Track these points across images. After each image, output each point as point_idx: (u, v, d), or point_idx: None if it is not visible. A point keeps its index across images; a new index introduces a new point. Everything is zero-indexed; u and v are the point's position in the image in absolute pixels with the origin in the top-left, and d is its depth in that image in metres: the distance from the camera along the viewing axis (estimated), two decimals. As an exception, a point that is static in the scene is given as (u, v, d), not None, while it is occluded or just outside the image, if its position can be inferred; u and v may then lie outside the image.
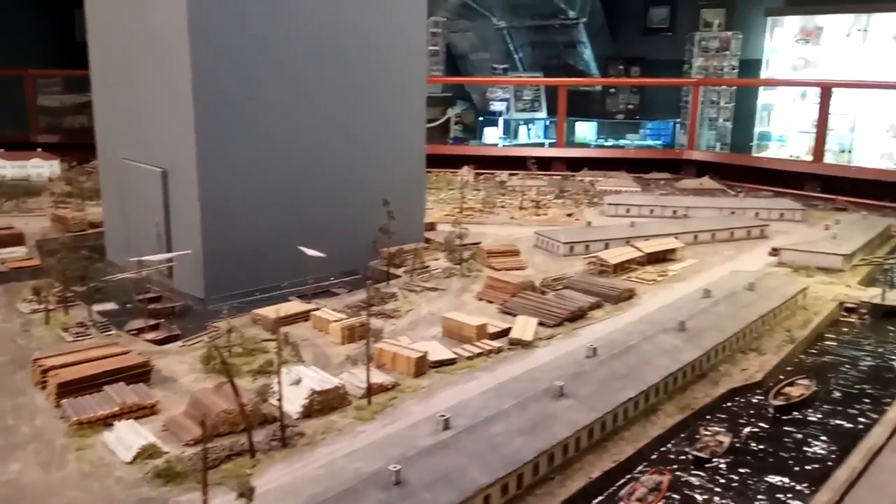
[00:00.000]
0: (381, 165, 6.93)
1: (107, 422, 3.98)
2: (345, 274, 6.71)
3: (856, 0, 13.33)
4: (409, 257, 6.60)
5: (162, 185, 6.28)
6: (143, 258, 6.01)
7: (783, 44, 14.39)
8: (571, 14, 16.33)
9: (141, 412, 4.11)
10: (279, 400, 3.71)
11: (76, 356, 4.61)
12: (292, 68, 6.25)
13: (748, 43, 14.98)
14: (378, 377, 4.39)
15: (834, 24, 13.90)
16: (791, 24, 14.31)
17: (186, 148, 5.89)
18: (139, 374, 4.52)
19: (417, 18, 7.03)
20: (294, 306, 5.66)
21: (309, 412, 4.03)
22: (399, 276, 6.57)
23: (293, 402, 4.04)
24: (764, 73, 14.45)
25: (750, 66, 14.88)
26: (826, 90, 11.33)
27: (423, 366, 4.59)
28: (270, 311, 5.46)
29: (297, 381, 3.81)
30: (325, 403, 4.08)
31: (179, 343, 5.23)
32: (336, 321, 5.21)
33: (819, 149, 11.23)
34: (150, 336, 5.35)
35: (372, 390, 4.24)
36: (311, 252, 5.85)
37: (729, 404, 4.41)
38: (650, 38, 17.10)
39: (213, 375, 4.45)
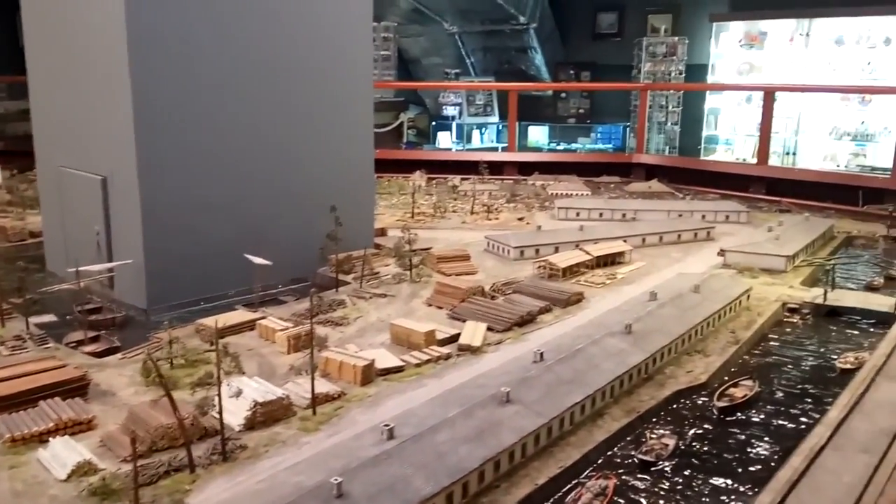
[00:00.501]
0: (329, 171, 6.85)
1: (42, 438, 3.85)
2: (293, 281, 6.64)
3: (797, 5, 13.64)
4: (358, 264, 6.53)
5: (102, 193, 6.12)
6: (83, 268, 5.87)
7: (728, 48, 14.68)
8: (522, 20, 16.44)
9: (77, 428, 3.98)
10: (219, 412, 3.62)
11: (11, 371, 4.45)
12: (235, 75, 6.15)
13: (694, 48, 15.25)
14: (324, 386, 4.33)
15: (777, 29, 14.23)
16: (736, 30, 14.61)
17: (126, 155, 5.75)
18: (76, 388, 4.38)
19: (362, 25, 7.00)
20: (239, 315, 5.55)
21: (252, 424, 3.95)
22: (348, 283, 6.50)
23: (236, 414, 3.96)
24: (710, 78, 14.72)
25: (696, 71, 15.15)
26: (769, 94, 11.57)
27: (369, 374, 4.53)
28: (214, 321, 5.36)
29: (238, 394, 3.72)
30: (268, 415, 4.00)
31: (119, 355, 5.09)
32: (282, 330, 5.12)
33: (763, 152, 11.46)
34: (90, 349, 5.20)
35: (317, 400, 4.18)
36: (256, 260, 5.77)
37: (674, 406, 4.44)
38: (599, 43, 17.31)
39: (153, 388, 4.33)
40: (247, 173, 6.32)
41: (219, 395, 3.62)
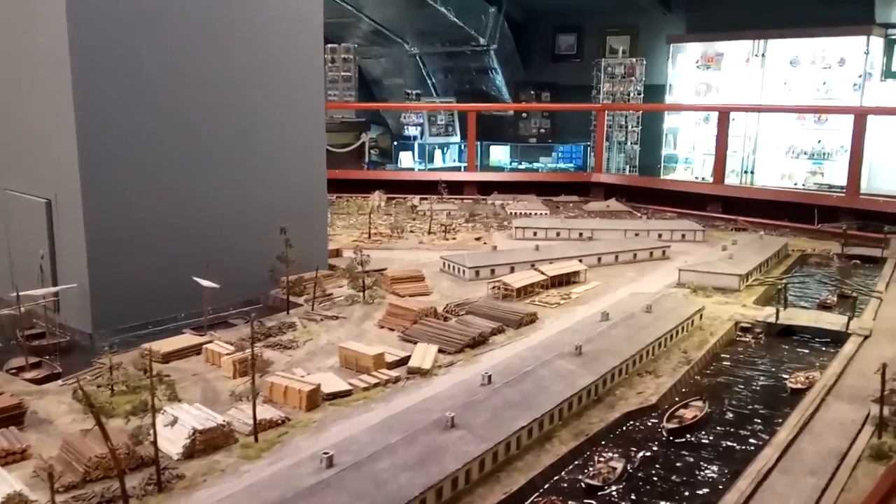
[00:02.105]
0: (280, 193, 6.76)
1: (-30, 470, 3.69)
2: (245, 303, 6.51)
3: (753, 27, 13.92)
4: (310, 285, 6.44)
5: (46, 216, 5.97)
6: (26, 293, 5.69)
7: (686, 69, 14.93)
8: (482, 41, 16.56)
9: (10, 458, 3.83)
10: (153, 442, 3.50)
11: (-58, 400, 4.29)
12: (182, 97, 6.05)
13: (652, 69, 15.48)
14: (268, 412, 4.22)
15: (733, 50, 14.52)
16: (693, 51, 14.87)
17: (70, 178, 5.61)
18: (11, 416, 4.22)
19: (313, 45, 6.94)
20: (185, 339, 5.43)
21: (191, 452, 3.82)
22: (300, 305, 6.39)
23: (174, 443, 3.84)
24: (668, 98, 14.94)
25: (655, 91, 15.37)
26: (724, 114, 11.73)
27: (315, 399, 4.43)
28: (161, 346, 5.24)
29: (173, 422, 3.61)
30: (208, 442, 3.88)
31: (59, 382, 4.93)
32: (228, 354, 5.01)
33: (719, 171, 11.60)
34: (30, 375, 5.03)
35: (260, 427, 4.07)
36: (204, 283, 5.64)
37: (624, 428, 4.40)
38: (559, 64, 17.50)
39: (91, 416, 4.19)
40: (195, 195, 6.21)
41: (153, 423, 3.49)
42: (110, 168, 5.71)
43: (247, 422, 4.08)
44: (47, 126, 5.85)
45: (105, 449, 3.54)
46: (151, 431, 3.51)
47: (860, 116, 10.52)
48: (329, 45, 16.19)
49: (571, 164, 17.22)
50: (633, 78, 15.40)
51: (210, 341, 5.32)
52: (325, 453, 3.39)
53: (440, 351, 5.29)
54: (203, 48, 6.16)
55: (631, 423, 4.45)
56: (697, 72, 14.88)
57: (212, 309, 5.91)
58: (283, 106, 6.77)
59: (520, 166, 17.53)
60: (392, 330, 5.81)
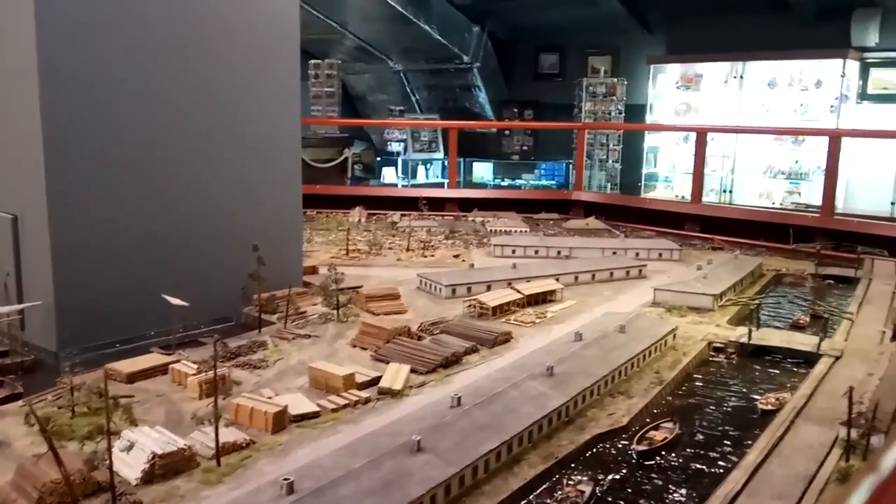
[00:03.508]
0: (254, 209, 6.71)
1: (-80, 496, 3.60)
2: (217, 321, 6.43)
3: (731, 49, 14.05)
4: (283, 303, 6.37)
5: (12, 232, 5.88)
6: (-10, 310, 5.61)
7: (666, 90, 15.02)
8: (465, 59, 16.62)
9: (-36, 483, 3.75)
10: (109, 467, 3.42)
11: None
12: (153, 112, 6.00)
13: (633, 88, 15.58)
14: (232, 435, 4.14)
15: (712, 71, 14.63)
16: (673, 72, 14.98)
17: (37, 194, 5.54)
18: (-31, 439, 4.15)
19: (289, 60, 6.90)
20: (152, 359, 5.34)
21: (150, 477, 3.74)
22: (273, 324, 6.33)
23: (133, 467, 3.75)
24: (649, 118, 15.02)
25: (636, 111, 15.45)
26: (702, 135, 11.80)
27: (281, 421, 4.36)
28: (125, 365, 5.16)
29: (129, 447, 3.53)
30: (168, 467, 3.80)
31: (20, 402, 4.83)
32: (194, 374, 4.93)
33: (696, 190, 11.65)
34: (-9, 395, 4.93)
35: (224, 450, 3.99)
36: (174, 301, 5.56)
37: (595, 451, 4.36)
38: (542, 82, 17.58)
39: (54, 440, 4.10)
40: (166, 212, 6.15)
41: (108, 448, 3.42)
42: (78, 184, 5.64)
43: (210, 445, 4.00)
44: (14, 142, 5.78)
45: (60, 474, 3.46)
46: (107, 456, 3.43)
47: (835, 138, 10.60)
48: (313, 61, 16.19)
49: (554, 182, 17.26)
50: (614, 97, 15.48)
51: (177, 361, 5.24)
52: (286, 479, 3.33)
53: (412, 371, 5.24)
54: (175, 64, 6.12)
55: (601, 445, 4.41)
56: (677, 92, 14.98)
57: (182, 327, 5.84)
58: (257, 122, 6.73)
59: (502, 183, 17.55)
60: (365, 349, 5.75)
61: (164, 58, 6.05)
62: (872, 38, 13.09)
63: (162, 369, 5.19)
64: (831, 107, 13.24)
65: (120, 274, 5.89)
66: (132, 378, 5.04)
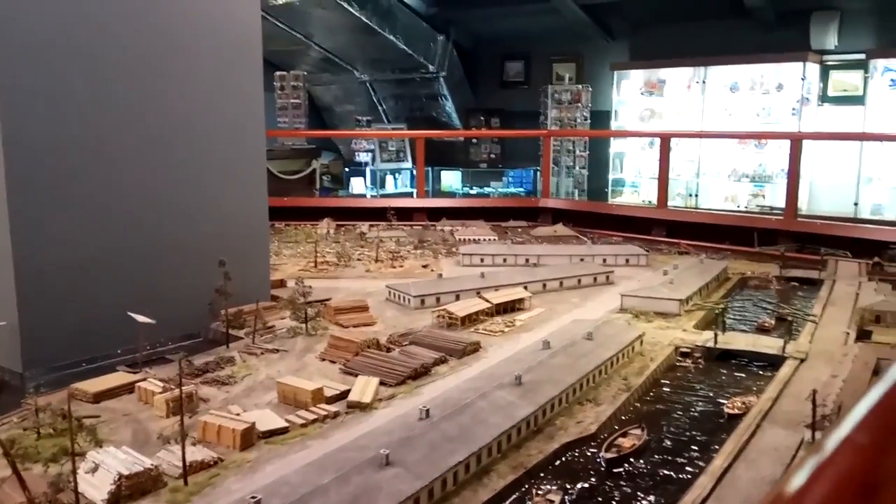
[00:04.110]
0: (219, 224, 6.67)
1: None
2: (185, 337, 6.37)
3: (693, 55, 14.26)
4: (251, 318, 6.33)
5: (-26, 252, 5.78)
6: (-48, 331, 5.50)
7: (630, 95, 15.20)
8: (431, 68, 16.68)
9: (-76, 510, 3.67)
10: (74, 489, 3.38)
11: None
12: (115, 129, 5.94)
13: (598, 95, 15.74)
14: (199, 453, 4.11)
15: (675, 76, 14.84)
16: (636, 78, 15.16)
17: (-1, 213, 5.47)
18: (-72, 464, 4.06)
19: (252, 73, 6.88)
20: (118, 377, 5.27)
21: (116, 499, 3.69)
22: (241, 339, 6.28)
23: (99, 489, 3.70)
24: (614, 123, 15.19)
25: (601, 117, 15.61)
26: (665, 140, 11.96)
27: (250, 438, 4.33)
28: (91, 385, 5.09)
29: (94, 468, 3.49)
30: (135, 487, 3.75)
31: (-17, 425, 4.75)
32: (161, 392, 4.88)
33: (662, 195, 11.79)
34: (-47, 418, 4.84)
35: (192, 468, 3.96)
36: (139, 318, 5.50)
37: (564, 459, 4.38)
38: (508, 90, 17.69)
39: (18, 461, 4.03)
40: (130, 229, 6.09)
41: (73, 470, 3.37)
42: (40, 203, 5.57)
43: (177, 464, 3.96)
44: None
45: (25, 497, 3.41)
46: (72, 478, 3.39)
47: (796, 141, 10.80)
48: (278, 73, 16.14)
49: (522, 189, 17.35)
50: (579, 104, 15.63)
51: (143, 379, 5.18)
52: (253, 497, 3.31)
53: (382, 383, 5.23)
54: (136, 79, 6.06)
55: (570, 453, 4.44)
56: (641, 98, 15.16)
57: (149, 344, 5.78)
58: (220, 135, 6.70)
59: (471, 191, 17.62)
60: (334, 362, 5.73)
61: (125, 73, 6.00)
62: (831, 41, 13.37)
63: (128, 388, 5.13)
64: (793, 109, 13.49)
65: (85, 292, 5.81)
66: (98, 398, 4.98)
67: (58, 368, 5.65)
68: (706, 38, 14.01)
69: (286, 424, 4.56)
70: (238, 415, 4.59)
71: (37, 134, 5.51)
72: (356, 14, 14.68)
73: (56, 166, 5.65)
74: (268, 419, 4.59)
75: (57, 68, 5.60)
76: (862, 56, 13.01)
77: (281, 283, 7.80)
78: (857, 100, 13.14)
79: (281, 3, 14.44)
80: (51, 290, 5.67)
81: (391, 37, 15.57)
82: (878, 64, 12.83)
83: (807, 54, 13.30)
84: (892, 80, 12.74)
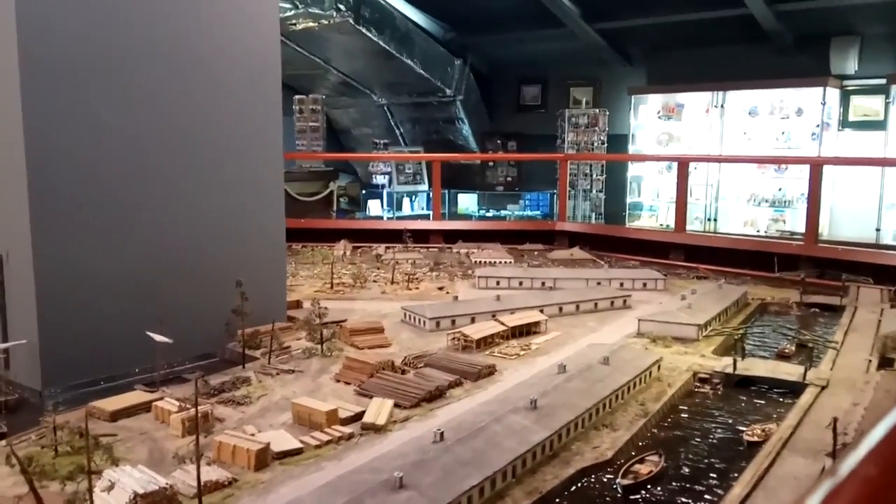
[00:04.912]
0: (236, 245, 6.72)
1: None
2: (201, 357, 6.40)
3: (711, 79, 14.27)
4: (267, 338, 6.35)
5: (-3, 270, 5.87)
6: (-26, 349, 5.57)
7: (647, 119, 15.21)
8: (448, 92, 16.80)
9: (-59, 526, 3.70)
10: (89, 509, 3.39)
11: None
12: (138, 149, 6.03)
13: (615, 119, 15.77)
14: (214, 473, 4.10)
15: (693, 101, 14.84)
16: (654, 102, 15.18)
17: (22, 233, 5.53)
18: (-54, 481, 4.09)
19: (272, 98, 6.96)
20: (135, 396, 5.30)
21: (131, 518, 3.70)
22: (256, 359, 6.29)
23: (114, 508, 3.71)
24: (631, 147, 15.20)
25: (618, 141, 15.63)
26: (683, 164, 11.93)
27: (264, 458, 4.33)
28: (108, 403, 5.11)
29: (110, 488, 3.49)
30: (149, 507, 3.76)
31: (3, 442, 4.77)
32: (177, 411, 4.89)
33: (680, 219, 11.74)
34: (-28, 436, 4.87)
35: (206, 488, 3.95)
36: (157, 337, 5.52)
37: (579, 485, 4.34)
38: (524, 114, 17.78)
39: (37, 479, 4.05)
40: (150, 248, 6.15)
41: (89, 489, 3.38)
42: (62, 223, 5.64)
43: (191, 483, 3.96)
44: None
45: (41, 516, 3.42)
46: (88, 496, 3.40)
47: (816, 166, 10.74)
48: (297, 97, 16.32)
49: (538, 212, 17.37)
50: (596, 128, 15.66)
51: (160, 398, 5.20)
52: (267, 518, 3.30)
53: (396, 405, 5.21)
54: (159, 101, 6.16)
55: (586, 479, 4.39)
56: (659, 122, 15.17)
57: (166, 364, 5.81)
58: (239, 158, 6.77)
59: (487, 214, 17.65)
60: (349, 384, 5.73)
61: (146, 95, 6.09)
62: (851, 66, 13.33)
63: (145, 407, 5.15)
64: (813, 134, 13.43)
65: (104, 311, 5.86)
66: (115, 416, 5.00)
67: (76, 387, 5.69)
68: (724, 63, 14.02)
69: (300, 445, 4.55)
70: (253, 435, 4.59)
71: (59, 154, 5.60)
72: (374, 39, 14.84)
73: (78, 187, 5.73)
74: (282, 440, 4.59)
75: (80, 90, 5.69)
76: (883, 81, 12.95)
77: (297, 304, 7.82)
78: (879, 125, 13.06)
79: (300, 28, 14.64)
80: (70, 310, 5.72)
81: (409, 61, 15.72)
82: (900, 89, 12.77)
83: (827, 79, 13.26)
84: (913, 105, 12.68)
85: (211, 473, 4.08)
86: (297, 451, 4.50)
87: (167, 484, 3.89)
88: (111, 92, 5.87)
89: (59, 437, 4.54)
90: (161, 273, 6.22)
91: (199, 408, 4.38)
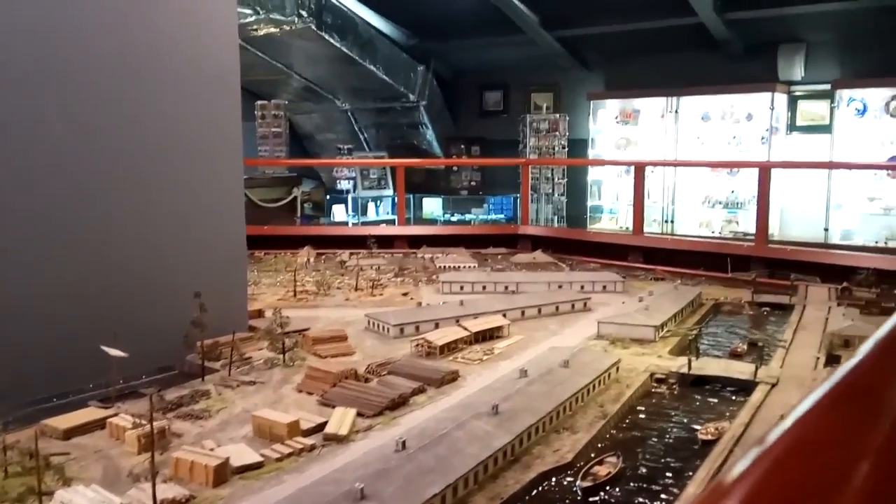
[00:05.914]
0: (195, 253, 6.66)
1: None
2: (159, 371, 6.31)
3: (666, 85, 14.52)
4: (227, 349, 6.30)
5: (-58, 286, 5.73)
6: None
7: (606, 124, 15.41)
8: (412, 97, 16.84)
9: None
10: (42, 529, 3.34)
11: None
12: (86, 157, 5.94)
13: (575, 124, 15.95)
14: (171, 490, 4.06)
15: (649, 106, 15.08)
16: (612, 107, 15.40)
17: (-33, 245, 5.43)
18: None
19: (230, 104, 6.92)
20: (88, 413, 5.21)
21: (86, 537, 3.65)
22: (217, 371, 6.24)
23: (69, 527, 3.66)
24: (591, 152, 15.38)
25: (578, 145, 15.81)
26: (640, 169, 12.10)
27: (223, 473, 4.29)
28: (61, 421, 5.03)
29: (63, 508, 3.45)
30: (105, 526, 3.72)
31: (-49, 464, 4.67)
32: (132, 428, 4.82)
33: (637, 223, 11.90)
34: (-80, 457, 4.76)
35: (164, 505, 3.91)
36: (112, 351, 5.45)
37: (540, 489, 4.38)
38: (487, 119, 17.90)
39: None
40: (104, 258, 6.06)
41: (42, 509, 3.33)
42: (8, 232, 5.52)
43: (147, 502, 3.92)
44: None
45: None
46: (41, 517, 3.35)
47: (765, 169, 10.98)
48: (259, 102, 16.21)
49: (503, 215, 17.46)
50: (557, 132, 15.81)
51: (115, 414, 5.13)
52: (225, 533, 3.28)
53: (359, 414, 5.21)
54: (110, 107, 6.07)
55: (546, 482, 4.44)
56: (617, 127, 15.38)
57: (122, 378, 5.72)
58: (197, 165, 6.71)
59: (452, 218, 17.70)
60: (311, 394, 5.70)
61: (98, 100, 6.00)
62: (798, 72, 13.70)
63: (100, 424, 5.07)
64: (762, 138, 13.74)
65: (55, 325, 5.75)
66: (69, 434, 4.91)
67: (28, 404, 5.57)
68: (678, 70, 14.30)
69: (261, 459, 4.52)
70: (212, 450, 4.55)
71: (5, 163, 5.49)
72: (337, 45, 14.81)
73: (25, 196, 5.62)
74: (242, 454, 4.56)
75: (28, 96, 5.60)
76: (828, 86, 13.34)
77: (259, 314, 7.77)
78: (824, 129, 13.45)
79: (262, 34, 14.55)
80: (19, 324, 5.58)
81: (372, 67, 15.71)
82: (844, 94, 13.19)
83: (774, 85, 13.62)
84: (857, 109, 13.06)
85: (168, 491, 4.04)
86: (258, 465, 4.47)
87: (122, 503, 3.84)
88: (60, 97, 5.77)
89: (9, 457, 4.45)
90: (116, 284, 6.13)
91: (155, 423, 4.34)
